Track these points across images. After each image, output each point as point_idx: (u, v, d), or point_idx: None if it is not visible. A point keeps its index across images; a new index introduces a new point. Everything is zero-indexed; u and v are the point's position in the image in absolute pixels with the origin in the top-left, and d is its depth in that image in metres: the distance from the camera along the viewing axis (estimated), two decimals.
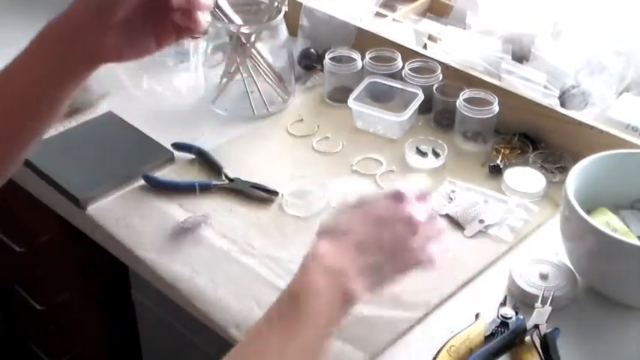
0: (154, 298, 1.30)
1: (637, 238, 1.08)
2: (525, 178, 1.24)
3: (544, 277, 1.06)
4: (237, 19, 1.37)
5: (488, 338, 0.97)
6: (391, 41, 1.45)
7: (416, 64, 1.40)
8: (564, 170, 1.22)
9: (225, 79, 1.41)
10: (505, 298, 1.03)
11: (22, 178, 1.35)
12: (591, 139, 1.23)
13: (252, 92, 1.40)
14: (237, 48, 1.38)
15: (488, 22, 1.47)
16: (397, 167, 1.29)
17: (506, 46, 1.41)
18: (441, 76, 1.38)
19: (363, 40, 1.48)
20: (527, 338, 0.98)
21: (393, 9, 1.61)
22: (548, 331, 0.97)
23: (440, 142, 1.32)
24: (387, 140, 1.35)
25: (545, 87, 1.33)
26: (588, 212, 1.04)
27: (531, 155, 1.28)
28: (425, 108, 1.37)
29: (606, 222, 1.08)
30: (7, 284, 1.70)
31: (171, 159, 1.30)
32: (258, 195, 1.23)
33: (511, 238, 1.16)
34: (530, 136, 1.32)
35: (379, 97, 1.38)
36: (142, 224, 1.18)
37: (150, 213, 1.20)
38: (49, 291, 1.58)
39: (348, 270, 0.78)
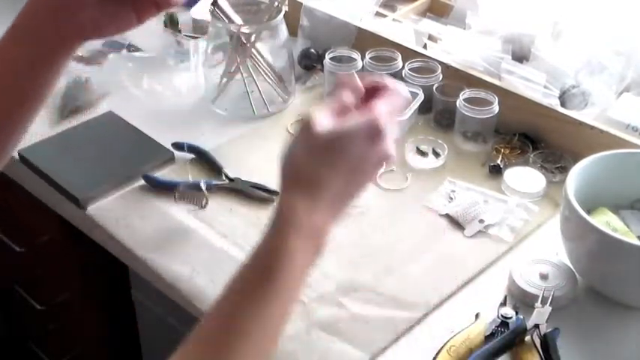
0: (153, 298, 1.30)
1: (637, 238, 1.08)
2: (525, 178, 1.24)
3: (544, 277, 1.06)
4: (237, 19, 1.37)
5: (488, 338, 0.97)
6: (391, 41, 1.45)
7: (416, 64, 1.40)
8: (564, 170, 1.22)
9: (225, 79, 1.41)
10: (505, 298, 1.03)
11: (22, 178, 1.35)
12: (591, 139, 1.23)
13: (252, 92, 1.40)
14: (237, 48, 1.38)
15: (488, 22, 1.47)
16: (397, 167, 1.29)
17: (506, 46, 1.41)
18: (441, 76, 1.38)
19: (363, 40, 1.48)
20: (527, 338, 0.98)
21: (393, 9, 1.61)
22: (548, 331, 0.97)
23: (440, 142, 1.32)
24: None
25: (545, 87, 1.33)
26: (588, 212, 1.04)
27: (531, 155, 1.28)
28: (425, 108, 1.37)
29: (606, 222, 1.08)
30: (7, 284, 1.70)
31: (171, 159, 1.30)
32: (258, 195, 1.23)
33: (511, 238, 1.16)
34: (530, 136, 1.32)
35: None
36: (142, 224, 1.18)
37: (150, 213, 1.20)
38: (49, 291, 1.58)
39: (323, 225, 0.72)
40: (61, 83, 1.47)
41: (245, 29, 1.36)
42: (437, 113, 1.38)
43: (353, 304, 1.05)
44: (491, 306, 1.01)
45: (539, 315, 0.99)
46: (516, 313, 0.99)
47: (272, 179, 1.24)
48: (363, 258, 1.12)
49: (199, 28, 1.59)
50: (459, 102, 1.30)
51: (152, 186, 1.24)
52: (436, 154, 1.30)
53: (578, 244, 1.04)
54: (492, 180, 1.26)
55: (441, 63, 1.39)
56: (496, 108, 1.30)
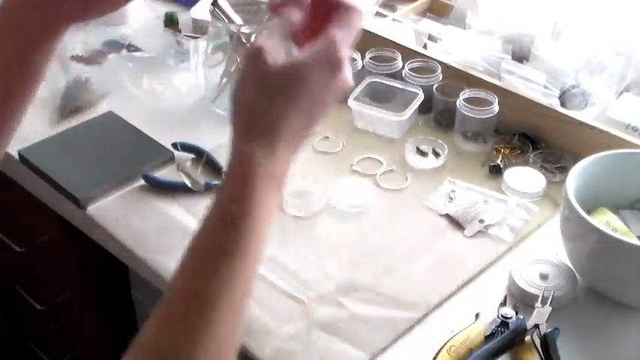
0: (153, 298, 1.30)
1: (637, 238, 1.08)
2: (525, 178, 1.24)
3: (544, 277, 1.06)
4: (237, 19, 1.37)
5: (488, 338, 0.97)
6: (391, 41, 1.45)
7: (416, 64, 1.40)
8: (564, 170, 1.22)
9: (225, 79, 1.41)
10: (505, 298, 1.03)
11: (22, 178, 1.35)
12: (591, 139, 1.23)
13: None
14: (237, 48, 1.38)
15: (488, 22, 1.47)
16: (397, 167, 1.29)
17: (506, 46, 1.41)
18: (441, 76, 1.38)
19: (363, 40, 1.47)
20: (527, 338, 0.98)
21: (393, 9, 1.61)
22: (548, 331, 0.97)
23: (440, 142, 1.32)
24: (387, 140, 1.35)
25: (545, 87, 1.33)
26: (588, 212, 1.04)
27: (531, 155, 1.28)
28: (425, 108, 1.37)
29: (606, 222, 1.08)
30: (7, 284, 1.70)
31: (171, 159, 1.30)
32: None
33: (511, 238, 1.16)
34: (530, 136, 1.32)
35: (379, 97, 1.38)
36: (142, 224, 1.18)
37: (150, 213, 1.20)
38: (49, 291, 1.58)
39: (284, 167, 0.67)
40: (61, 83, 1.47)
41: (245, 29, 1.36)
42: (437, 113, 1.38)
43: (353, 304, 1.05)
44: (491, 306, 1.01)
45: (539, 315, 0.99)
46: (516, 313, 0.99)
47: None
48: (363, 258, 1.12)
49: (199, 28, 1.59)
50: (459, 102, 1.30)
51: (152, 186, 1.24)
52: (436, 154, 1.30)
53: (578, 244, 1.04)
54: (492, 180, 1.26)
55: (441, 63, 1.39)
56: (496, 108, 1.30)
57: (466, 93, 1.32)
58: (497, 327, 0.98)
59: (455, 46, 1.45)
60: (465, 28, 1.51)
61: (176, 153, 1.31)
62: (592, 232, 0.99)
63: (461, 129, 1.33)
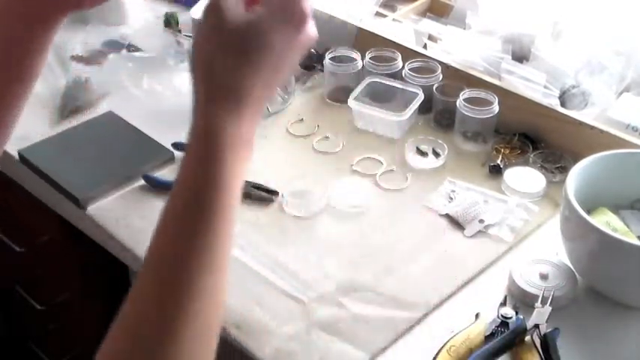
0: None
1: (637, 238, 1.08)
2: (525, 178, 1.24)
3: (544, 277, 1.06)
4: None
5: (488, 338, 0.97)
6: (391, 41, 1.45)
7: (416, 64, 1.40)
8: (564, 170, 1.22)
9: None
10: (505, 298, 1.03)
11: (22, 178, 1.35)
12: (591, 139, 1.23)
13: None
14: None
15: (488, 22, 1.47)
16: (397, 167, 1.29)
17: (506, 46, 1.41)
18: (441, 76, 1.38)
19: (363, 40, 1.48)
20: (527, 338, 0.98)
21: (393, 9, 1.61)
22: (548, 331, 0.97)
23: (440, 142, 1.32)
24: (387, 140, 1.35)
25: (545, 87, 1.33)
26: (588, 212, 1.04)
27: (531, 155, 1.28)
28: (425, 108, 1.37)
29: (606, 222, 1.08)
30: (7, 284, 1.70)
31: (171, 159, 1.30)
32: (258, 195, 1.23)
33: (511, 238, 1.16)
34: (530, 136, 1.32)
35: (379, 97, 1.38)
36: (142, 224, 1.18)
37: (150, 213, 1.20)
38: (49, 291, 1.58)
39: (251, 129, 0.65)
40: (61, 83, 1.47)
41: None
42: (437, 113, 1.38)
43: (353, 304, 1.05)
44: (491, 306, 1.01)
45: (539, 315, 0.99)
46: (516, 313, 0.99)
47: (272, 179, 1.25)
48: (363, 258, 1.12)
49: None
50: (459, 102, 1.30)
51: (152, 186, 1.24)
52: (436, 154, 1.30)
53: (578, 244, 1.04)
54: (492, 180, 1.26)
55: (441, 63, 1.39)
56: (496, 108, 1.30)
57: (466, 93, 1.32)
58: (497, 327, 0.98)
59: (455, 46, 1.45)
60: (465, 28, 1.51)
61: (176, 153, 1.30)
62: (592, 232, 0.99)
63: (461, 129, 1.33)
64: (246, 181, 1.24)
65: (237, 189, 0.62)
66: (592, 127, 1.25)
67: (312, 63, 1.50)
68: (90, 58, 1.54)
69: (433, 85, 1.37)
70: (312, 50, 1.51)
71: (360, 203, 1.21)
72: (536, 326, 0.97)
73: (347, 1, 1.58)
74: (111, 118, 1.40)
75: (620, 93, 1.35)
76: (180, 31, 1.61)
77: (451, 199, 1.22)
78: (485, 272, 1.11)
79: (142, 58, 1.56)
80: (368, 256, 1.13)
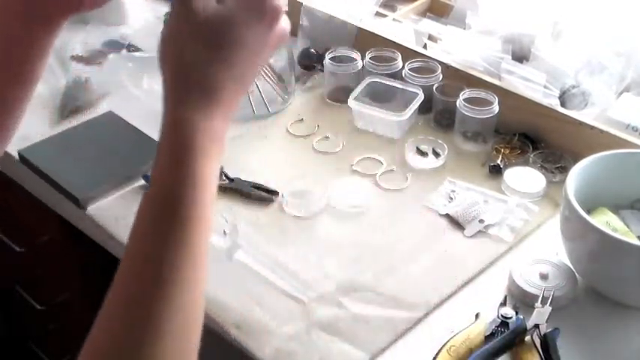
0: None
1: (637, 238, 1.08)
2: (525, 178, 1.24)
3: (544, 277, 1.06)
4: None
5: (488, 338, 0.97)
6: (391, 41, 1.45)
7: (416, 64, 1.40)
8: (564, 170, 1.22)
9: None
10: (505, 298, 1.03)
11: (22, 178, 1.35)
12: (591, 139, 1.23)
13: (252, 92, 1.40)
14: None
15: (488, 22, 1.47)
16: (397, 167, 1.29)
17: (506, 46, 1.41)
18: (441, 76, 1.38)
19: (363, 40, 1.48)
20: (527, 338, 0.98)
21: (393, 9, 1.61)
22: (548, 331, 0.97)
23: (440, 142, 1.32)
24: (387, 140, 1.35)
25: (545, 87, 1.33)
26: (588, 212, 1.04)
27: (531, 155, 1.28)
28: (425, 108, 1.37)
29: (606, 222, 1.08)
30: (7, 284, 1.70)
31: None
32: (258, 195, 1.23)
33: (511, 238, 1.16)
34: (530, 136, 1.32)
35: (379, 97, 1.38)
36: None
37: None
38: (49, 291, 1.58)
39: (224, 127, 0.63)
40: (61, 83, 1.47)
41: None
42: (437, 113, 1.38)
43: (353, 304, 1.05)
44: (491, 306, 1.01)
45: (539, 315, 0.99)
46: (516, 313, 0.99)
47: (272, 179, 1.25)
48: (363, 258, 1.12)
49: None
50: (459, 102, 1.30)
51: None
52: (436, 154, 1.30)
53: (578, 244, 1.04)
54: (492, 180, 1.26)
55: (441, 63, 1.39)
56: (496, 108, 1.30)
57: (466, 93, 1.32)
58: (497, 327, 0.98)
59: (455, 46, 1.45)
60: (465, 28, 1.51)
61: None
62: (592, 232, 0.99)
63: (461, 129, 1.33)
64: (246, 181, 1.24)
65: (209, 183, 0.61)
66: (592, 127, 1.25)
67: (312, 63, 1.50)
68: (90, 58, 1.55)
69: (433, 85, 1.37)
70: (312, 50, 1.51)
71: (360, 203, 1.21)
72: (536, 326, 0.97)
73: (347, 1, 1.58)
74: (111, 118, 1.40)
75: (620, 93, 1.35)
76: None
77: (451, 199, 1.22)
78: (485, 272, 1.11)
79: (142, 58, 1.55)
80: (368, 256, 1.13)
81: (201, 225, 0.60)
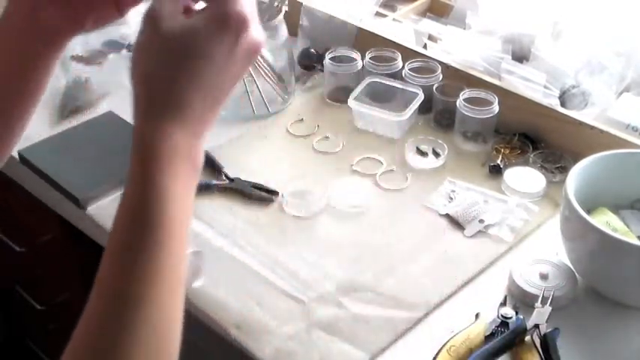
0: None
1: (637, 238, 1.08)
2: (525, 178, 1.24)
3: (544, 277, 1.06)
4: None
5: (488, 338, 0.97)
6: (391, 41, 1.45)
7: (416, 64, 1.40)
8: (564, 170, 1.22)
9: None
10: (505, 298, 1.03)
11: (22, 178, 1.35)
12: (591, 139, 1.23)
13: (252, 92, 1.40)
14: None
15: (488, 22, 1.47)
16: (397, 167, 1.29)
17: (506, 46, 1.41)
18: (441, 76, 1.38)
19: (363, 40, 1.48)
20: (527, 338, 0.98)
21: (393, 9, 1.61)
22: (548, 331, 0.97)
23: (440, 142, 1.32)
24: (387, 140, 1.35)
25: (545, 87, 1.33)
26: (588, 212, 1.04)
27: (531, 155, 1.28)
28: (425, 108, 1.37)
29: (606, 222, 1.08)
30: (7, 284, 1.70)
31: None
32: (258, 195, 1.23)
33: (511, 238, 1.16)
34: (530, 136, 1.32)
35: (379, 97, 1.38)
36: None
37: None
38: (49, 291, 1.58)
39: (197, 145, 0.62)
40: (61, 83, 1.47)
41: None
42: (437, 113, 1.38)
43: (353, 304, 1.05)
44: (491, 306, 1.01)
45: (539, 315, 0.99)
46: (516, 313, 0.99)
47: (272, 179, 1.25)
48: (363, 258, 1.12)
49: None
50: (459, 102, 1.30)
51: None
52: (436, 154, 1.30)
53: (578, 244, 1.04)
54: (492, 180, 1.26)
55: (441, 63, 1.39)
56: (496, 108, 1.30)
57: (466, 93, 1.32)
58: (497, 327, 0.98)
59: (455, 46, 1.45)
60: (465, 28, 1.51)
61: None
62: (592, 232, 0.99)
63: (461, 129, 1.33)
64: (246, 181, 1.24)
65: (179, 199, 0.59)
66: (592, 127, 1.25)
67: (312, 63, 1.50)
68: (90, 58, 1.54)
69: (433, 85, 1.37)
70: (312, 50, 1.51)
71: (360, 203, 1.21)
72: (536, 326, 0.97)
73: (347, 1, 1.58)
74: (111, 118, 1.40)
75: (620, 93, 1.35)
76: None
77: (451, 199, 1.22)
78: (485, 272, 1.11)
79: None
80: (368, 256, 1.13)
81: (167, 241, 0.59)
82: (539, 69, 1.35)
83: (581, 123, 1.26)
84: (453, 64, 1.39)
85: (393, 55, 1.42)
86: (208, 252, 1.14)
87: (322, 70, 1.47)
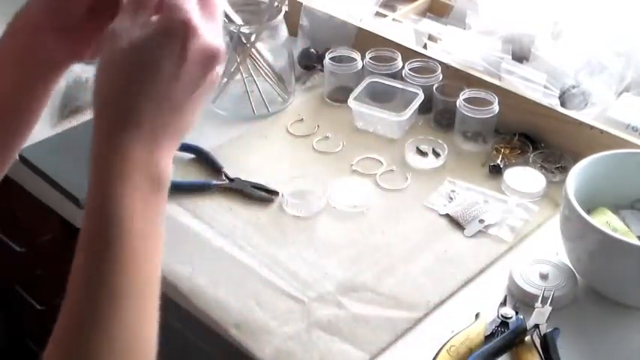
0: None
1: (637, 238, 1.08)
2: (525, 178, 1.24)
3: (544, 277, 1.06)
4: (237, 19, 1.37)
5: (488, 338, 0.97)
6: (391, 41, 1.45)
7: (416, 64, 1.40)
8: (564, 170, 1.22)
9: (225, 79, 1.41)
10: (505, 298, 1.03)
11: (22, 179, 1.35)
12: (591, 139, 1.23)
13: (252, 92, 1.40)
14: (238, 48, 1.38)
15: (488, 22, 1.47)
16: (397, 167, 1.29)
17: (506, 46, 1.41)
18: (441, 76, 1.38)
19: (363, 40, 1.48)
20: (527, 338, 0.98)
21: (393, 9, 1.61)
22: (548, 331, 0.97)
23: (440, 142, 1.32)
24: (387, 140, 1.35)
25: (545, 87, 1.33)
26: (588, 212, 1.04)
27: (531, 155, 1.28)
28: (425, 108, 1.37)
29: (606, 222, 1.08)
30: (7, 284, 1.70)
31: None
32: (258, 195, 1.23)
33: (511, 238, 1.16)
34: (530, 136, 1.32)
35: (379, 97, 1.38)
36: None
37: None
38: (49, 291, 1.57)
39: (162, 166, 0.63)
40: (61, 83, 1.46)
41: (245, 29, 1.36)
42: (437, 113, 1.38)
43: (353, 304, 1.05)
44: (491, 306, 1.01)
45: (539, 315, 0.99)
46: (516, 313, 0.99)
47: (272, 179, 1.25)
48: (363, 258, 1.12)
49: None
50: (459, 102, 1.30)
51: None
52: (436, 154, 1.30)
53: (578, 244, 1.04)
54: (492, 180, 1.26)
55: (441, 63, 1.39)
56: (496, 108, 1.30)
57: (466, 93, 1.32)
58: (497, 327, 0.98)
59: (455, 46, 1.45)
60: (465, 28, 1.51)
61: (175, 153, 1.30)
62: (592, 232, 0.99)
63: (461, 129, 1.33)
64: (246, 181, 1.24)
65: (140, 215, 0.60)
66: (592, 127, 1.25)
67: (312, 63, 1.50)
68: None
69: (433, 85, 1.37)
70: (312, 50, 1.51)
71: (360, 203, 1.21)
72: (536, 326, 0.97)
73: (347, 1, 1.58)
74: None
75: (620, 93, 1.35)
76: None
77: (451, 199, 1.22)
78: (485, 272, 1.11)
79: None
80: (368, 256, 1.13)
81: (128, 257, 0.59)
82: (539, 69, 1.35)
83: (581, 123, 1.26)
84: (453, 64, 1.39)
85: (393, 55, 1.42)
86: (208, 252, 1.14)
87: (322, 70, 1.47)
